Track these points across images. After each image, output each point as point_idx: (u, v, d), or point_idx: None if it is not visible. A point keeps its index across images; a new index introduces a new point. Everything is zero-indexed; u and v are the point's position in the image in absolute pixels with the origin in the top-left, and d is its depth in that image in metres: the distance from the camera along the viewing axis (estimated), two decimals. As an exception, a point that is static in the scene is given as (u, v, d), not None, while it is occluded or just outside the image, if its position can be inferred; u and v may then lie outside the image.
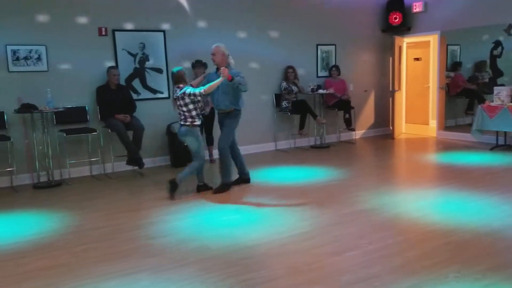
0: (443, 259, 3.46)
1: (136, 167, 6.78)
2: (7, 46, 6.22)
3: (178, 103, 5.31)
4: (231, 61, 5.66)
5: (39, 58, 6.43)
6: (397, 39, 9.41)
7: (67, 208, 5.17)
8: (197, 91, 5.19)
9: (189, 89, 5.23)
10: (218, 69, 5.57)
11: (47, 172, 6.40)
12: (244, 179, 6.03)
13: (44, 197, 5.76)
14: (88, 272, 3.42)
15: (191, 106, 5.25)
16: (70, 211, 5.05)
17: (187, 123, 5.32)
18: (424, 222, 4.30)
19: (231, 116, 5.68)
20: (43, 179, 6.43)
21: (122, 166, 6.92)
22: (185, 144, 5.65)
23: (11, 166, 6.26)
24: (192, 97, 5.21)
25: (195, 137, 5.38)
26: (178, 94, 5.28)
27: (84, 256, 3.75)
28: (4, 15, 6.18)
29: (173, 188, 5.31)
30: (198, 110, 5.34)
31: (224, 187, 5.67)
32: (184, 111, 5.30)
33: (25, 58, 6.35)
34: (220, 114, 5.79)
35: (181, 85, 5.31)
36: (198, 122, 5.35)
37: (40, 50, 6.43)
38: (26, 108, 5.99)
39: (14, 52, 6.27)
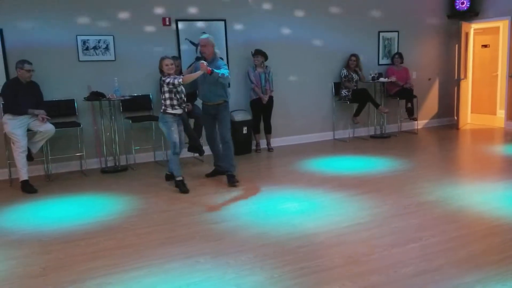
0: (510, 254, 3.32)
1: (196, 154, 6.95)
2: (78, 36, 6.54)
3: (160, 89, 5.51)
4: (217, 51, 5.66)
5: (107, 48, 6.71)
6: (464, 25, 9.01)
7: (133, 192, 5.41)
8: (176, 81, 5.20)
9: (168, 79, 5.26)
10: (198, 58, 5.61)
11: (114, 157, 6.70)
12: (220, 171, 5.98)
13: (111, 181, 6.05)
14: (153, 254, 3.58)
15: (167, 95, 5.29)
16: (135, 195, 5.28)
17: (161, 110, 5.39)
18: (490, 216, 4.14)
19: (222, 108, 5.61)
20: (110, 164, 6.76)
21: (184, 152, 7.11)
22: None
23: (80, 151, 6.61)
24: (170, 86, 5.23)
25: (163, 123, 5.39)
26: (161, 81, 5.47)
27: (149, 238, 3.92)
28: (75, 6, 6.49)
29: (168, 179, 5.81)
30: (174, 100, 5.31)
31: (235, 179, 5.59)
32: (161, 98, 5.40)
33: (94, 48, 6.65)
34: (208, 107, 5.67)
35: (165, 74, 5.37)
36: (171, 111, 5.32)
37: (108, 40, 6.70)
38: (95, 96, 6.29)
39: (84, 42, 6.58)
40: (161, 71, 5.41)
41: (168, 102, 5.32)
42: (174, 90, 5.30)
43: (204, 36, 5.59)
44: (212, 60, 5.49)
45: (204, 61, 5.23)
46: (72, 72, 6.57)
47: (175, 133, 5.39)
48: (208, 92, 5.57)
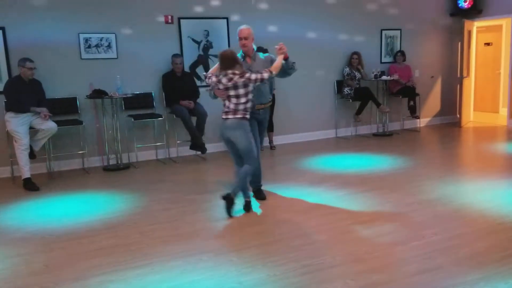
0: (513, 253, 3.33)
1: (199, 152, 6.95)
2: (80, 34, 6.54)
3: (232, 92, 4.29)
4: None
5: (109, 46, 6.71)
6: (467, 23, 8.98)
7: (135, 190, 5.41)
8: (265, 74, 4.29)
9: (254, 75, 4.27)
10: (245, 56, 4.55)
11: (116, 155, 6.71)
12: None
13: (113, 179, 6.06)
14: (155, 251, 3.58)
15: (250, 96, 4.33)
16: (137, 193, 5.28)
17: (238, 115, 4.31)
18: (492, 214, 4.13)
19: (267, 110, 4.82)
20: (112, 162, 6.76)
21: (186, 150, 7.12)
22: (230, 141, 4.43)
23: (83, 149, 6.62)
24: (258, 82, 4.31)
25: (244, 132, 4.33)
26: (240, 81, 4.24)
27: (152, 236, 3.92)
28: (77, 4, 6.49)
29: (230, 205, 4.31)
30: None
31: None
32: (240, 102, 4.30)
33: (96, 46, 6.65)
34: (260, 111, 4.66)
35: (236, 71, 4.25)
36: (248, 115, 4.39)
37: (110, 38, 6.70)
38: (97, 94, 6.30)
39: (86, 40, 6.58)
40: (230, 67, 4.25)
41: (249, 104, 4.35)
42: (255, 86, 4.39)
43: (245, 26, 4.52)
44: (253, 57, 4.58)
45: (279, 46, 4.40)
46: (75, 70, 6.57)
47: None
48: (258, 91, 4.51)
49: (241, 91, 4.25)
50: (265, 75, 4.29)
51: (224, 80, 4.25)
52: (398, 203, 4.54)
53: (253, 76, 4.25)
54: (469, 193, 4.85)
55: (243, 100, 4.28)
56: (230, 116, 4.33)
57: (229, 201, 4.28)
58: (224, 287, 2.97)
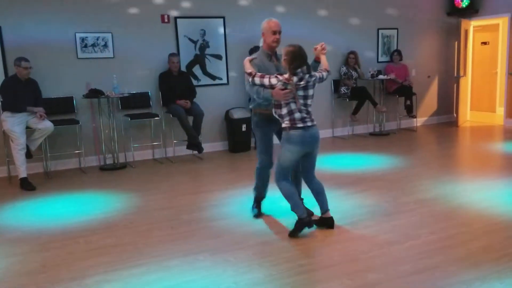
0: (509, 252, 3.33)
1: (195, 152, 6.94)
2: (76, 33, 6.52)
3: (303, 93, 3.67)
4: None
5: (105, 45, 6.70)
6: (464, 22, 9.00)
7: (132, 190, 5.40)
8: (324, 74, 3.86)
9: (317, 73, 3.80)
10: (272, 56, 3.99)
11: (113, 154, 6.70)
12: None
13: (110, 178, 6.05)
14: (152, 251, 3.58)
15: (302, 101, 3.69)
16: (134, 193, 5.27)
17: (315, 122, 3.79)
18: (489, 214, 4.14)
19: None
20: (109, 161, 6.75)
21: (183, 150, 7.12)
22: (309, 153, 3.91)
23: (79, 148, 6.60)
24: (318, 82, 3.79)
25: (290, 146, 3.78)
26: (310, 80, 3.68)
27: (148, 236, 3.92)
28: (74, 4, 6.47)
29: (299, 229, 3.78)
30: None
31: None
32: (309, 105, 3.73)
33: (93, 45, 6.64)
34: (271, 116, 3.91)
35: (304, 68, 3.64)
36: (300, 124, 3.73)
37: (107, 37, 6.69)
38: (94, 93, 6.29)
39: (82, 39, 6.56)
40: (302, 65, 3.62)
41: (298, 113, 3.68)
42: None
43: (274, 18, 3.96)
44: (278, 57, 4.01)
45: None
46: (71, 69, 6.55)
47: None
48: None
49: (311, 92, 3.72)
50: (325, 74, 3.85)
51: (295, 80, 3.58)
52: (394, 203, 4.54)
53: (318, 75, 3.77)
54: (466, 193, 4.85)
55: (310, 102, 3.73)
56: (313, 124, 3.75)
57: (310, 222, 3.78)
58: (220, 287, 2.97)
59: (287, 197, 3.81)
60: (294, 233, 3.75)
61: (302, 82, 3.61)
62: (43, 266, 3.40)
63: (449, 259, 3.25)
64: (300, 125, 3.66)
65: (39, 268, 3.36)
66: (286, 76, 3.59)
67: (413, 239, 3.61)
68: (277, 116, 3.76)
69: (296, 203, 3.79)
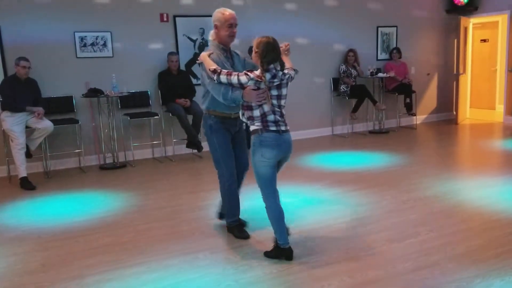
0: (509, 249, 3.33)
1: (195, 150, 6.94)
2: (75, 33, 6.51)
3: (276, 92, 3.28)
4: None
5: (104, 45, 6.69)
6: (463, 20, 8.99)
7: (132, 189, 5.40)
8: (292, 72, 3.44)
9: (292, 71, 3.43)
10: (227, 51, 3.78)
11: (112, 154, 6.70)
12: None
13: (110, 177, 6.05)
14: (152, 250, 3.58)
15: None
16: (134, 192, 5.27)
17: (288, 127, 3.45)
18: (488, 211, 4.14)
19: (240, 122, 3.77)
20: (109, 160, 6.75)
21: (182, 149, 7.12)
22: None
23: (79, 148, 6.60)
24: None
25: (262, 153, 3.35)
26: (284, 78, 3.29)
27: (148, 235, 3.92)
28: (73, 3, 6.46)
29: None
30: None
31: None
32: (282, 106, 3.36)
33: (92, 45, 6.63)
34: (231, 121, 3.69)
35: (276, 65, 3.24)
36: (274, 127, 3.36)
37: (106, 36, 6.68)
38: (93, 93, 6.28)
39: (81, 38, 6.56)
40: (276, 60, 3.23)
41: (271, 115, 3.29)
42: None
43: (230, 10, 3.78)
44: (233, 53, 3.94)
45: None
46: (70, 68, 6.55)
47: None
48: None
49: (284, 91, 3.32)
50: (293, 73, 3.41)
51: (268, 77, 3.16)
52: (394, 200, 4.55)
53: (292, 73, 3.37)
54: (465, 190, 4.86)
55: (283, 103, 3.35)
56: (287, 129, 3.39)
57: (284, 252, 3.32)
58: (220, 285, 2.97)
59: (273, 219, 3.33)
60: (269, 256, 3.35)
61: (275, 80, 3.19)
62: (43, 265, 3.40)
63: (448, 256, 3.25)
64: (274, 128, 3.26)
65: (39, 267, 3.36)
66: (257, 72, 3.16)
67: (412, 237, 3.62)
68: (245, 119, 3.32)
69: (280, 229, 3.31)
